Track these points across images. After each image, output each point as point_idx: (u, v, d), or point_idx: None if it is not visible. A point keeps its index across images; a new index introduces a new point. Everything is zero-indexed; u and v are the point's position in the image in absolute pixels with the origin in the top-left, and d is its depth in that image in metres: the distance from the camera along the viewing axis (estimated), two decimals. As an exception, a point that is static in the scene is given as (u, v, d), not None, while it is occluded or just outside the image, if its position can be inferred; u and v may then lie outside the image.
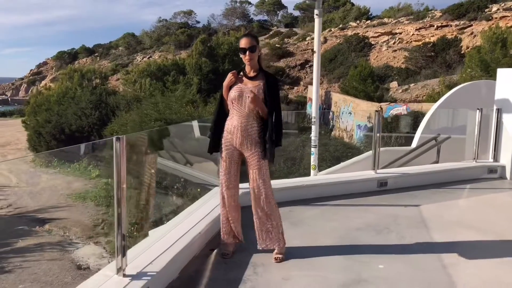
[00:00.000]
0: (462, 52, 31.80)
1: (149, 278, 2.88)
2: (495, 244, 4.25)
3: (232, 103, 3.67)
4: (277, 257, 3.68)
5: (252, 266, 3.58)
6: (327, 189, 5.79)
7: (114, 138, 2.72)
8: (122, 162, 2.75)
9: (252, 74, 3.69)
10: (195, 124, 11.55)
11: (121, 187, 2.75)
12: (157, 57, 51.58)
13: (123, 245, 2.83)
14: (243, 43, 3.64)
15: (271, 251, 3.74)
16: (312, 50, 6.58)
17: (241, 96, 3.62)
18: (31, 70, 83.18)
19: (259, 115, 3.67)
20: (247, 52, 3.62)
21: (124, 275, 2.86)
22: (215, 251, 3.86)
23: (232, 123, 3.68)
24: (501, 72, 7.47)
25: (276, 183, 5.63)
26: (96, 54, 73.77)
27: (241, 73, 3.73)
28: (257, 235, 3.79)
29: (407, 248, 4.07)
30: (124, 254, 2.85)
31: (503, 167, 7.25)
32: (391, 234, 4.45)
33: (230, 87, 3.69)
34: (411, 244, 4.20)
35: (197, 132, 11.58)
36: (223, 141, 3.73)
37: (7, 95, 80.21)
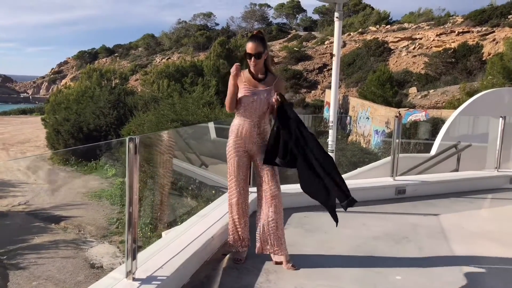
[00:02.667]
0: (483, 59, 31.28)
1: (159, 282, 2.81)
2: (518, 258, 4.08)
3: (243, 106, 3.55)
4: (292, 265, 3.56)
5: (265, 273, 3.49)
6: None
7: (127, 139, 2.66)
8: (135, 163, 2.69)
9: (260, 76, 3.59)
10: (211, 125, 11.52)
11: (133, 189, 2.68)
12: (175, 59, 51.88)
13: (134, 248, 2.76)
14: (249, 47, 3.53)
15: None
16: (331, 53, 6.48)
17: (253, 99, 3.51)
18: (52, 69, 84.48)
19: (267, 117, 3.62)
20: (253, 58, 3.52)
21: (134, 279, 2.79)
22: (228, 256, 3.77)
23: (244, 127, 3.57)
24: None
25: (290, 188, 5.53)
26: (116, 54, 74.55)
27: (248, 71, 3.59)
28: (260, 239, 3.64)
29: (426, 260, 3.93)
30: (134, 257, 2.78)
31: (526, 178, 7.03)
32: (409, 244, 4.31)
33: (234, 86, 3.58)
34: (430, 256, 4.05)
35: (213, 134, 11.54)
36: (232, 146, 3.61)
37: (28, 93, 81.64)
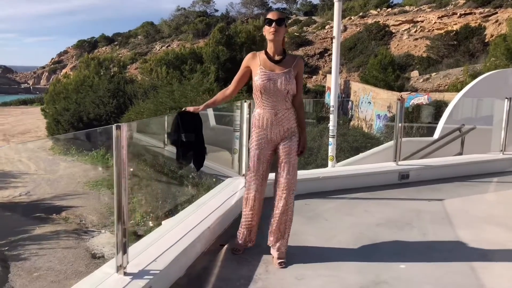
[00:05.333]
0: (486, 41, 30.91)
1: (151, 277, 2.67)
2: (526, 243, 3.94)
3: (261, 93, 3.26)
4: (280, 262, 3.34)
5: (264, 264, 3.36)
6: (346, 181, 5.52)
7: (114, 126, 2.51)
8: (123, 151, 2.54)
9: (277, 57, 3.27)
10: (210, 113, 11.33)
11: (121, 179, 2.54)
12: (175, 46, 51.50)
13: (124, 241, 2.63)
14: (271, 15, 3.25)
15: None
16: (332, 37, 6.28)
17: (271, 84, 3.22)
18: (52, 59, 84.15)
19: (290, 101, 3.33)
20: (273, 24, 3.21)
21: (125, 273, 2.66)
22: (225, 246, 3.64)
23: (264, 116, 3.30)
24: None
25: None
26: (116, 43, 74.14)
27: (264, 52, 3.31)
28: (274, 231, 3.41)
29: (431, 247, 3.80)
30: (125, 251, 2.65)
31: (532, 160, 6.87)
32: (413, 231, 4.18)
33: (246, 75, 3.40)
34: (435, 242, 3.92)
35: (212, 121, 11.38)
36: (255, 139, 3.35)
37: (29, 84, 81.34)
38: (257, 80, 3.25)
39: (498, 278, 3.30)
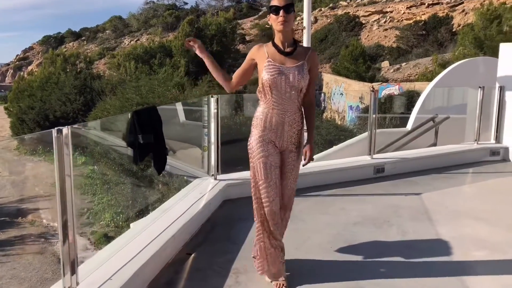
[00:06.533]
0: (453, 30, 31.32)
1: (105, 298, 2.37)
2: (509, 238, 3.78)
3: (270, 89, 2.78)
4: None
5: (234, 274, 3.08)
6: (320, 177, 5.29)
7: (54, 130, 2.18)
8: (66, 157, 2.22)
9: (288, 49, 2.81)
10: (179, 107, 10.94)
11: (65, 191, 2.21)
12: (144, 40, 50.50)
13: (73, 260, 2.31)
14: (277, 1, 2.73)
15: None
16: (302, 28, 6.06)
17: (282, 79, 2.75)
18: (17, 55, 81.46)
19: (300, 101, 2.88)
20: (281, 11, 2.70)
21: (75, 296, 2.35)
22: (193, 255, 3.35)
23: (272, 116, 2.81)
24: (504, 48, 6.96)
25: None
26: (83, 38, 72.29)
27: (272, 43, 2.84)
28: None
29: (411, 246, 3.60)
30: (73, 272, 2.33)
31: (506, 149, 6.81)
32: (392, 229, 3.97)
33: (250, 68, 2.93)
34: (415, 240, 3.73)
35: (182, 117, 10.99)
36: (258, 142, 2.83)
37: (-7, 81, 78.60)
38: (265, 74, 2.77)
39: (483, 280, 3.12)
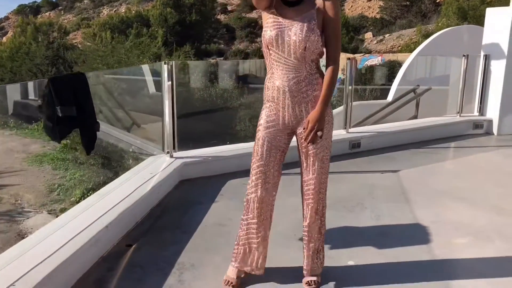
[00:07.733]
0: (437, 1, 30.80)
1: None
2: (494, 221, 3.39)
3: (269, 48, 2.26)
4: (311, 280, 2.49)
5: (178, 270, 2.63)
6: (289, 153, 4.82)
7: None
8: None
9: None
10: (149, 78, 10.31)
11: None
12: (123, 10, 48.86)
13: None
14: None
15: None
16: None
17: (279, 37, 2.21)
18: (-9, 25, 78.44)
19: (317, 63, 2.30)
20: None
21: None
22: (134, 246, 2.89)
23: (274, 83, 2.31)
24: (491, 12, 6.50)
25: (223, 150, 4.67)
26: (60, 7, 69.80)
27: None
28: (305, 254, 2.53)
29: (385, 233, 3.18)
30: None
31: (490, 122, 6.45)
32: (364, 212, 3.55)
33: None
34: (390, 226, 3.31)
35: (152, 88, 10.37)
36: (263, 118, 2.38)
37: (-35, 53, 75.81)
38: (264, 30, 2.26)
39: (466, 273, 2.73)
